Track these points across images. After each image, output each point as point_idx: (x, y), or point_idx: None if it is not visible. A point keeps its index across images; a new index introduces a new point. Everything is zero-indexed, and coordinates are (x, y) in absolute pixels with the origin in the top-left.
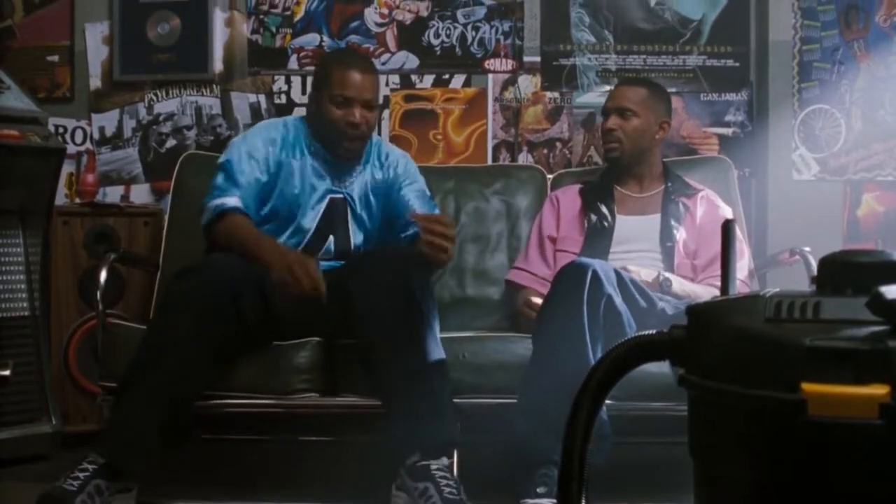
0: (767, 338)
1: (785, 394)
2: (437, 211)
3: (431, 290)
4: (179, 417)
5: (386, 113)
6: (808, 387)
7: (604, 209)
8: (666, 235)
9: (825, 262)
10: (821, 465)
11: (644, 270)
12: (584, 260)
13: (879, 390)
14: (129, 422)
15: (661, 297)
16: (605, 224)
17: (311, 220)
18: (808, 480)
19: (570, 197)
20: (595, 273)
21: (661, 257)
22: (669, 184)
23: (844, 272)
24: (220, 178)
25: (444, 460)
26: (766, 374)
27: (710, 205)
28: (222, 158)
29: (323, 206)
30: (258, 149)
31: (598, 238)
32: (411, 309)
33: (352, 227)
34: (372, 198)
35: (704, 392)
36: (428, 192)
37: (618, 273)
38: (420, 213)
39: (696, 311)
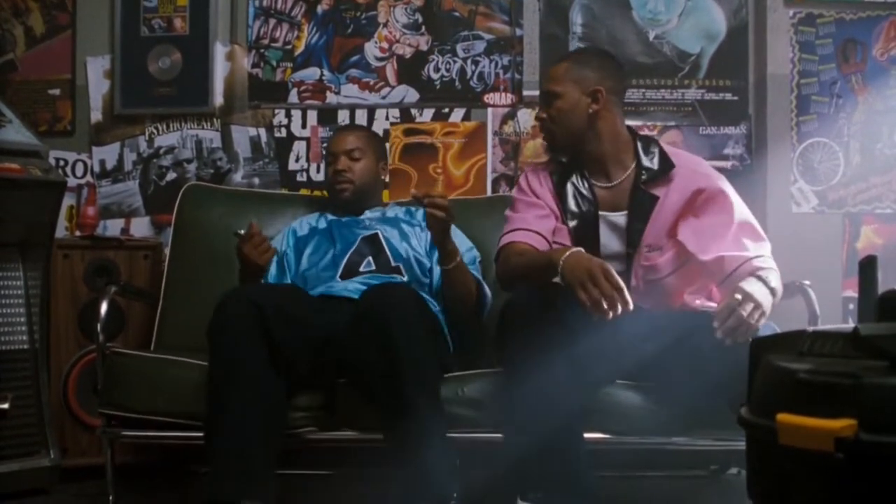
0: (777, 371)
1: (769, 422)
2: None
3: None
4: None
5: (386, 146)
6: (781, 416)
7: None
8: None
9: (883, 298)
10: (790, 489)
11: None
12: None
13: (837, 424)
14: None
15: None
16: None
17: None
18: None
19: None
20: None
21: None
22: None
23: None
24: None
25: None
26: (767, 404)
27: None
28: None
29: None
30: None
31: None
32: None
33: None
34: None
35: (740, 422)
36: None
37: None
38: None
39: (754, 344)
